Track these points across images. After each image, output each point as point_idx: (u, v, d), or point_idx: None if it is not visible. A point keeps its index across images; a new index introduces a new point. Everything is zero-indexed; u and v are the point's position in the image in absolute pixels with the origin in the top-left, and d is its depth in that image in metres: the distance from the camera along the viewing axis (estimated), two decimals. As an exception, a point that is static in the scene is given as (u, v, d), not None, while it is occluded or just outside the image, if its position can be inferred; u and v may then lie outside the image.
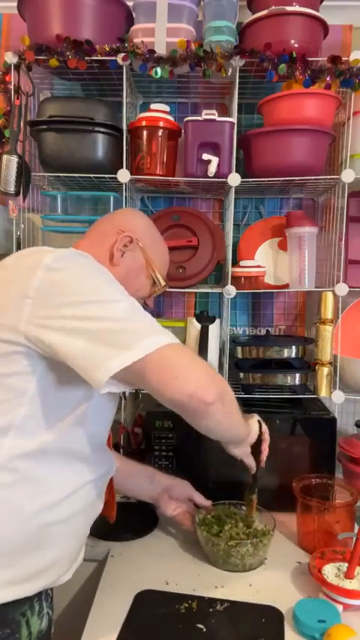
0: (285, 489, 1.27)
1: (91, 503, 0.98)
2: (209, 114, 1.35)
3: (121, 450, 1.46)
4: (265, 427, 1.15)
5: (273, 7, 1.33)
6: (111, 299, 0.86)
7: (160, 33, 1.35)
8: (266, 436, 1.15)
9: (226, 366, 1.49)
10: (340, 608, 0.97)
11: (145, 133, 1.38)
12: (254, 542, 1.11)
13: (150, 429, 1.38)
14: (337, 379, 1.43)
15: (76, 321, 0.82)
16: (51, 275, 0.85)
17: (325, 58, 1.33)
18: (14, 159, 1.36)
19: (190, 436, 1.37)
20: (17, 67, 1.38)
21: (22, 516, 0.87)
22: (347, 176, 1.37)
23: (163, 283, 1.10)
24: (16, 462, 0.86)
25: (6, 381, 0.86)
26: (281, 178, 1.39)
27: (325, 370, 1.42)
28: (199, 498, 1.26)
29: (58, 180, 1.50)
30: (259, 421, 1.15)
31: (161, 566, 1.14)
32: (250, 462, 1.15)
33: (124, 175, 1.38)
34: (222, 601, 1.01)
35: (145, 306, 1.13)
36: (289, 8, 1.33)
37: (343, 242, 1.44)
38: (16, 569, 0.87)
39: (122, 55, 1.34)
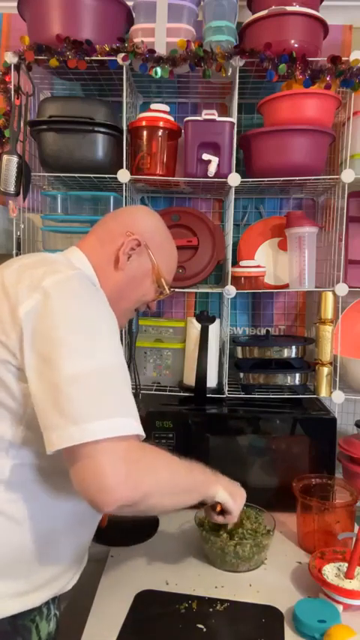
0: (285, 489, 1.27)
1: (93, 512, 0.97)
2: (209, 114, 1.35)
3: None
4: (230, 505, 1.04)
5: (273, 7, 1.33)
6: (95, 353, 0.79)
7: (160, 33, 1.35)
8: (230, 509, 1.05)
9: (226, 366, 1.49)
10: (340, 608, 0.97)
11: (145, 133, 1.38)
12: (254, 542, 1.11)
13: (150, 429, 1.38)
14: (337, 379, 1.43)
15: (46, 366, 0.78)
16: (45, 302, 0.81)
17: (325, 58, 1.33)
18: (14, 159, 1.36)
19: (190, 436, 1.38)
20: (17, 67, 1.38)
21: (27, 531, 0.87)
22: (347, 176, 1.37)
23: (168, 291, 1.06)
24: (18, 476, 0.86)
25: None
26: (281, 178, 1.39)
27: (325, 370, 1.42)
28: None
29: (58, 180, 1.50)
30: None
31: (161, 566, 1.14)
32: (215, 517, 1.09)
33: (124, 175, 1.38)
34: (222, 601, 1.01)
35: (147, 309, 1.12)
36: (289, 8, 1.33)
37: (343, 242, 1.44)
38: (25, 582, 0.88)
39: (122, 55, 1.34)
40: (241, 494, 1.08)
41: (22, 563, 0.88)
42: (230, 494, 1.04)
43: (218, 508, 1.07)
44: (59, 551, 0.93)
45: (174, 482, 0.90)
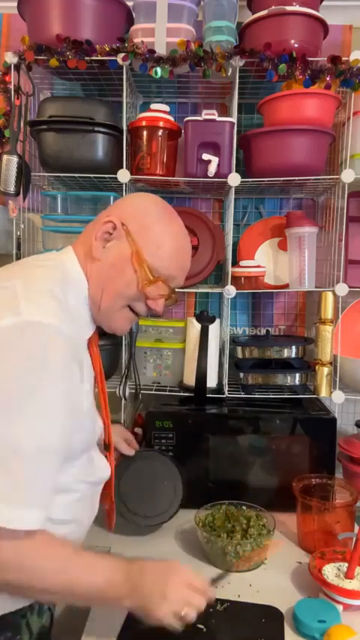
0: (285, 489, 1.27)
1: (86, 514, 0.96)
2: (209, 114, 1.35)
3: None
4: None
5: (273, 7, 1.33)
6: (7, 430, 0.72)
7: (160, 33, 1.35)
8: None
9: (226, 366, 1.49)
10: (340, 608, 0.97)
11: (145, 133, 1.38)
12: (254, 542, 1.11)
13: (150, 429, 1.38)
14: (337, 379, 1.43)
15: None
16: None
17: (325, 58, 1.33)
18: (14, 159, 1.36)
19: (190, 436, 1.38)
20: (17, 67, 1.38)
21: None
22: (347, 176, 1.37)
23: (151, 277, 0.89)
24: None
25: None
26: (281, 178, 1.39)
27: (325, 370, 1.42)
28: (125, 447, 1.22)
29: (58, 180, 1.50)
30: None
31: (161, 566, 1.13)
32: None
33: (124, 175, 1.38)
34: (222, 601, 1.01)
35: (151, 313, 0.96)
36: (289, 8, 1.33)
37: (343, 242, 1.44)
38: None
39: (122, 55, 1.34)
40: (170, 600, 0.81)
41: None
42: (147, 606, 0.81)
43: None
44: None
45: (54, 592, 0.80)
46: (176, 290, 0.96)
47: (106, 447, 1.07)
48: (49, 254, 0.97)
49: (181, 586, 0.83)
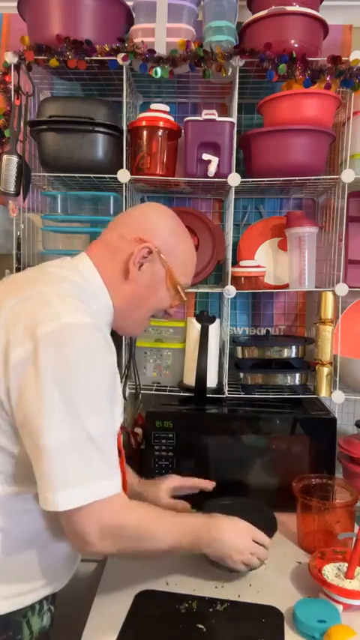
0: (285, 489, 1.27)
1: None
2: (209, 114, 1.35)
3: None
4: (223, 563, 1.02)
5: (273, 7, 1.33)
6: (79, 422, 0.80)
7: (160, 33, 1.35)
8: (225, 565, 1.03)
9: (226, 366, 1.49)
10: (340, 608, 0.97)
11: (145, 133, 1.38)
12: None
13: (150, 429, 1.38)
14: (337, 379, 1.43)
15: (30, 428, 0.79)
16: (34, 356, 0.79)
17: (325, 58, 1.33)
18: (14, 159, 1.36)
19: (190, 436, 1.38)
20: (17, 67, 1.38)
21: (15, 539, 0.88)
22: (347, 176, 1.37)
23: (185, 297, 1.01)
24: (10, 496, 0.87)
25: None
26: (281, 178, 1.39)
27: (325, 370, 1.42)
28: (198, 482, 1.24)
29: (58, 180, 1.50)
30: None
31: (161, 566, 1.13)
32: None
33: (124, 175, 1.38)
34: (222, 601, 1.01)
35: (165, 314, 1.06)
36: (289, 8, 1.33)
37: (343, 242, 1.44)
38: (17, 586, 0.89)
39: (122, 55, 1.34)
40: (238, 551, 1.00)
41: (13, 569, 0.88)
42: (222, 554, 1.00)
43: None
44: (51, 557, 0.93)
45: (153, 544, 0.92)
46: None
47: None
48: (64, 261, 0.98)
49: (249, 539, 1.02)
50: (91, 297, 0.91)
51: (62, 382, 0.79)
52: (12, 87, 1.38)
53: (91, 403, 0.81)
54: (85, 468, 0.81)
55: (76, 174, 1.40)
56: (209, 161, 1.36)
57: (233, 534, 1.01)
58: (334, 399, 1.42)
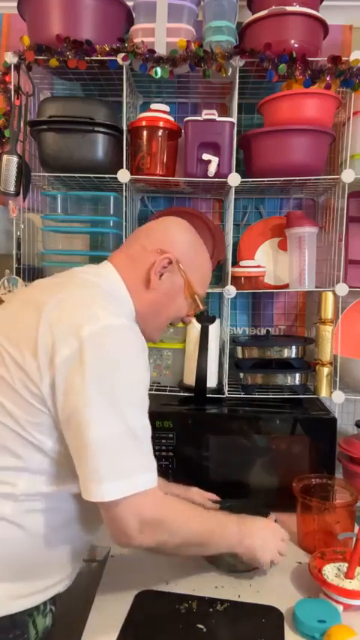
0: (285, 489, 1.27)
1: (90, 516, 0.97)
2: (209, 114, 1.35)
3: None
4: (254, 563, 1.05)
5: (273, 7, 1.33)
6: (122, 417, 0.84)
7: (160, 33, 1.35)
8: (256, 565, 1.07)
9: (226, 366, 1.49)
10: (340, 608, 0.97)
11: (145, 133, 1.38)
12: None
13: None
14: (337, 379, 1.43)
15: (75, 422, 0.82)
16: (80, 354, 0.83)
17: (325, 58, 1.33)
18: (14, 159, 1.36)
19: (190, 436, 1.38)
20: (17, 67, 1.38)
21: (31, 539, 0.89)
22: (347, 176, 1.37)
23: (202, 306, 1.06)
24: (32, 490, 0.88)
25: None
26: (281, 178, 1.39)
27: (325, 370, 1.42)
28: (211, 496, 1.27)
29: (58, 180, 1.50)
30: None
31: (161, 566, 1.13)
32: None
33: (124, 175, 1.38)
34: (222, 601, 1.01)
35: (183, 323, 1.12)
36: (289, 8, 1.33)
37: (343, 242, 1.44)
38: (26, 585, 0.90)
39: (122, 55, 1.34)
40: (268, 549, 1.05)
41: (24, 569, 0.90)
42: (254, 552, 1.03)
43: None
44: (61, 557, 0.94)
45: (188, 540, 0.95)
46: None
47: None
48: (89, 268, 1.02)
49: (278, 539, 1.08)
50: (118, 302, 0.96)
51: (106, 379, 0.83)
52: (12, 87, 1.38)
53: (133, 399, 0.86)
54: (129, 461, 0.84)
55: (76, 175, 1.40)
56: (209, 161, 1.36)
57: (267, 534, 1.06)
58: (334, 399, 1.42)
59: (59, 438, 0.86)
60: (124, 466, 0.84)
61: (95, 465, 0.82)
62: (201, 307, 1.06)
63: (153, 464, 0.88)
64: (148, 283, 0.99)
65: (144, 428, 0.87)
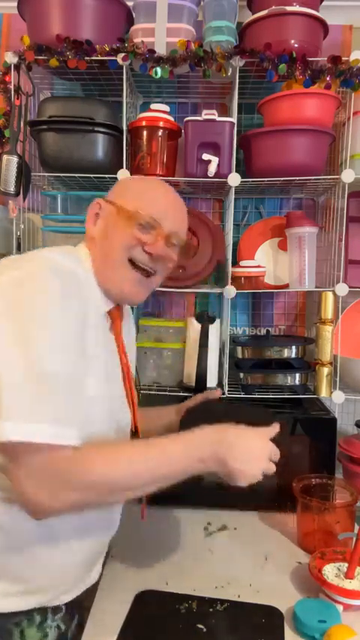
0: (285, 489, 1.27)
1: (91, 526, 0.94)
2: (209, 114, 1.35)
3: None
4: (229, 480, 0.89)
5: (273, 7, 1.33)
6: (34, 359, 0.76)
7: (160, 33, 1.35)
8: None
9: (226, 366, 1.49)
10: (340, 608, 0.97)
11: (145, 133, 1.38)
12: None
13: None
14: (337, 379, 1.43)
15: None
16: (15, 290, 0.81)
17: (325, 58, 1.33)
18: (14, 159, 1.36)
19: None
20: (17, 67, 1.38)
21: (10, 538, 0.85)
22: (347, 176, 1.37)
23: (148, 219, 0.93)
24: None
25: None
26: (281, 178, 1.39)
27: (325, 370, 1.42)
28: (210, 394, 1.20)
29: (58, 180, 1.50)
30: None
31: (161, 566, 1.14)
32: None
33: (124, 175, 1.38)
34: (222, 601, 1.01)
35: (147, 255, 0.95)
36: (289, 8, 1.33)
37: (343, 242, 1.44)
38: (7, 584, 0.87)
39: (122, 55, 1.34)
40: (257, 458, 0.92)
41: (5, 567, 0.87)
42: (227, 472, 0.88)
43: None
44: (48, 563, 0.90)
45: (118, 486, 0.83)
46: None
47: (133, 434, 1.04)
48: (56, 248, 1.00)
49: (265, 442, 0.96)
50: (71, 257, 0.92)
51: (18, 317, 0.78)
52: (12, 87, 1.38)
53: (49, 341, 0.78)
54: (38, 406, 0.75)
55: (76, 175, 1.40)
56: (209, 161, 1.36)
57: (251, 443, 0.94)
58: (334, 399, 1.42)
59: None
60: (32, 409, 0.75)
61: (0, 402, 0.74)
62: (146, 219, 0.93)
63: (71, 419, 0.78)
64: (91, 238, 0.97)
65: (64, 377, 0.78)
